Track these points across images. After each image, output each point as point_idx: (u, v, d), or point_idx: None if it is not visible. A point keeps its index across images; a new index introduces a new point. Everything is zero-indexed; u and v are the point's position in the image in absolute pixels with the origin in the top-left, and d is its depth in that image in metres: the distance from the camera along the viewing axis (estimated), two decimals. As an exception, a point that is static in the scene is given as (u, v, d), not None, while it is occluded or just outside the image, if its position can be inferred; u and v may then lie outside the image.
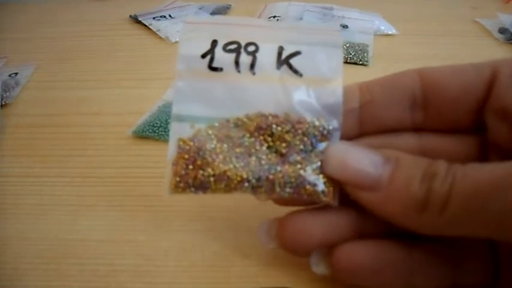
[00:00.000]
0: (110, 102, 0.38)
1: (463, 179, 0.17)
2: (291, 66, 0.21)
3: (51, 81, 0.41)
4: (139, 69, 0.43)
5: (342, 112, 0.20)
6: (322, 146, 0.20)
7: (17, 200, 0.28)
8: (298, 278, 0.22)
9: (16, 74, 0.42)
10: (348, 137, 0.21)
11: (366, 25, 0.51)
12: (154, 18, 0.53)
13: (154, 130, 0.33)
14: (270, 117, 0.20)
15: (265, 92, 0.21)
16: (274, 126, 0.20)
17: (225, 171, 0.20)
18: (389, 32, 0.51)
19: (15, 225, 0.26)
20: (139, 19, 0.53)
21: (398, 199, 0.18)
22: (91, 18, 0.55)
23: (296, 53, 0.21)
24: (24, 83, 0.41)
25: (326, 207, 0.20)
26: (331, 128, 0.20)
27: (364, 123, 0.22)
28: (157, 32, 0.50)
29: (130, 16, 0.54)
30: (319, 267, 0.21)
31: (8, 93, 0.39)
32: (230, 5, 0.58)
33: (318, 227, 0.20)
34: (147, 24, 0.52)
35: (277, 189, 0.20)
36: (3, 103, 0.38)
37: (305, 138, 0.20)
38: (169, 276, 0.23)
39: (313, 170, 0.20)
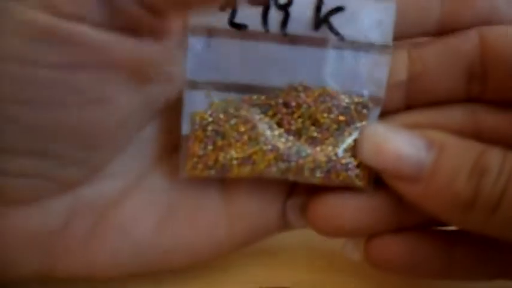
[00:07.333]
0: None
1: None
2: (331, 27, 0.17)
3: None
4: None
5: (386, 87, 0.18)
6: (358, 125, 0.18)
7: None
8: (298, 278, 0.22)
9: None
10: (393, 111, 0.19)
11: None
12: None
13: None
14: (302, 93, 0.18)
15: (298, 58, 0.18)
16: (305, 106, 0.18)
17: (250, 155, 0.17)
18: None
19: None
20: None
21: (440, 194, 0.16)
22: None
23: (338, 9, 0.17)
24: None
25: (360, 191, 0.19)
26: (371, 105, 0.18)
27: (411, 96, 0.19)
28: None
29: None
30: (353, 255, 0.20)
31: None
32: None
33: (351, 212, 0.19)
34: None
35: (307, 173, 0.18)
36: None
37: (340, 117, 0.18)
38: (169, 276, 0.23)
39: (346, 151, 0.18)
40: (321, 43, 0.17)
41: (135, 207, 0.19)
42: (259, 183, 0.19)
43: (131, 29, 0.15)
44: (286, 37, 0.17)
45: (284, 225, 0.20)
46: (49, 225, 0.18)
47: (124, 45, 0.15)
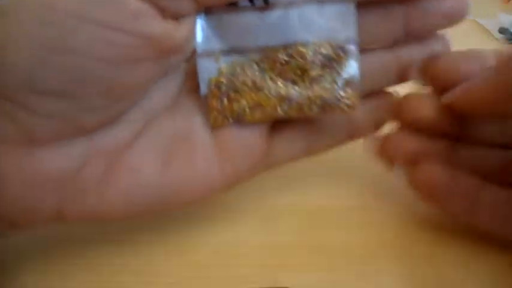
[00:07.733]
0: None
1: None
2: None
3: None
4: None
5: (356, 22, 0.21)
6: (340, 65, 0.22)
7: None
8: (298, 278, 0.23)
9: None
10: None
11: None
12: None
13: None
14: (289, 50, 0.21)
15: (281, 21, 0.21)
16: (293, 60, 0.22)
17: (258, 102, 0.22)
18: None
19: (15, 225, 0.26)
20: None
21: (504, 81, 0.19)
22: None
23: None
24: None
25: (422, 134, 0.23)
26: (347, 47, 0.22)
27: None
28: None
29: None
30: (400, 179, 0.24)
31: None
32: None
33: (410, 146, 0.23)
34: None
35: (306, 109, 0.22)
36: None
37: (325, 63, 0.22)
38: (168, 276, 0.23)
39: (335, 88, 0.22)
40: (296, 4, 0.21)
41: (144, 150, 0.21)
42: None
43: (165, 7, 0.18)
44: (268, 5, 0.21)
45: (270, 161, 0.24)
46: (64, 168, 0.19)
47: (158, 21, 0.18)
